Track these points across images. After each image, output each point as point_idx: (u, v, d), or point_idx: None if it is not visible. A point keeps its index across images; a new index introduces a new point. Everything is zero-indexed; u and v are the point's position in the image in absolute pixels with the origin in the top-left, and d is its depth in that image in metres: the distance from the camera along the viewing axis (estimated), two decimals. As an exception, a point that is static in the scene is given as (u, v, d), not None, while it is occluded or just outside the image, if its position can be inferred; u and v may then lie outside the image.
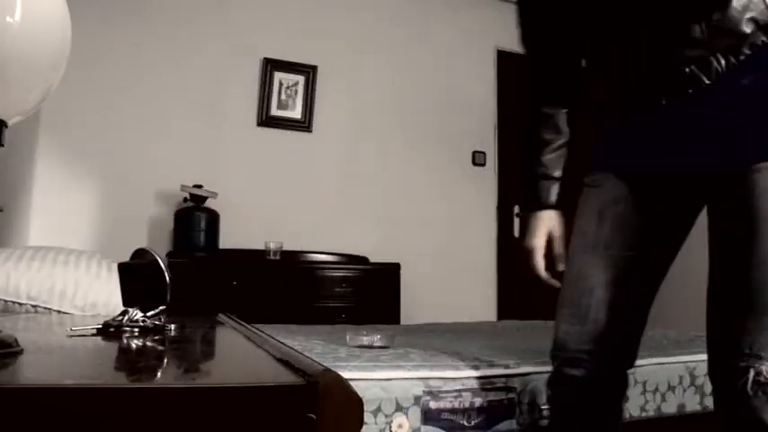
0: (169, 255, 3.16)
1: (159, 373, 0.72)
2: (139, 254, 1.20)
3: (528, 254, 1.31)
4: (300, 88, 3.72)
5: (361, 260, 3.60)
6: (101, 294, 1.75)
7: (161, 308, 1.07)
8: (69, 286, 1.72)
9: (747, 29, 1.01)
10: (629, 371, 1.21)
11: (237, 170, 3.57)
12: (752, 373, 0.97)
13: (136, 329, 1.01)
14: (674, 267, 1.15)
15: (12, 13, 0.69)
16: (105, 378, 0.68)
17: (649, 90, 1.10)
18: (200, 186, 3.27)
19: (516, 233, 4.19)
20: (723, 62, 1.03)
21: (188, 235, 3.18)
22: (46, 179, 3.17)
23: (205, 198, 3.25)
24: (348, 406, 0.61)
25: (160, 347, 0.93)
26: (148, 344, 0.94)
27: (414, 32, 4.08)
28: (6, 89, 0.71)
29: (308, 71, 3.74)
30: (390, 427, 1.25)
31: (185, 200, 3.29)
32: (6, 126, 0.74)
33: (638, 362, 1.53)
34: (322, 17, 3.85)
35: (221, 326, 1.33)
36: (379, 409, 1.25)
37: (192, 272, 3.03)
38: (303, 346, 1.55)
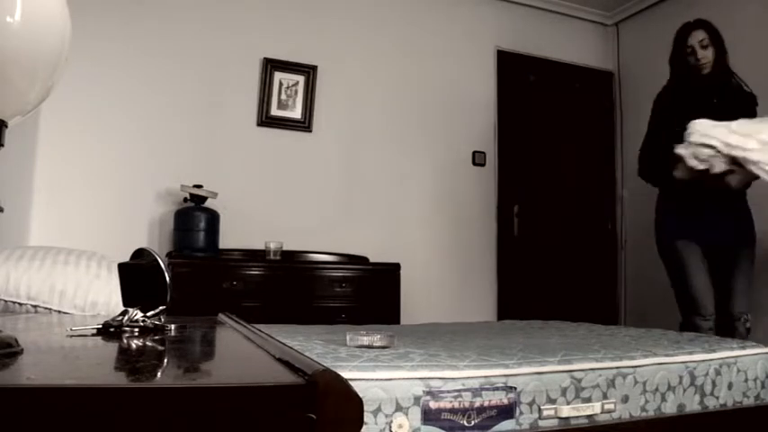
0: (169, 255, 3.16)
1: (159, 373, 0.72)
2: (139, 254, 1.20)
3: None
4: (300, 88, 3.72)
5: (361, 260, 3.60)
6: (101, 294, 1.75)
7: (161, 308, 1.07)
8: (69, 286, 1.72)
9: None
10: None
11: (237, 170, 3.58)
12: None
13: (136, 329, 1.01)
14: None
15: (12, 13, 0.69)
16: (105, 378, 0.68)
17: None
18: (200, 186, 3.27)
19: (516, 233, 4.19)
20: None
21: (188, 235, 3.18)
22: (46, 179, 3.17)
23: (205, 198, 3.25)
24: (348, 406, 0.61)
25: (160, 347, 0.93)
26: (148, 344, 0.94)
27: (414, 32, 4.08)
28: (6, 89, 0.71)
29: (308, 71, 3.74)
30: (390, 427, 1.25)
31: (185, 200, 3.29)
32: (6, 126, 0.74)
33: (638, 362, 1.54)
34: (322, 17, 3.85)
35: (221, 326, 1.33)
36: (379, 409, 1.25)
37: (191, 272, 3.03)
38: (303, 346, 1.55)
